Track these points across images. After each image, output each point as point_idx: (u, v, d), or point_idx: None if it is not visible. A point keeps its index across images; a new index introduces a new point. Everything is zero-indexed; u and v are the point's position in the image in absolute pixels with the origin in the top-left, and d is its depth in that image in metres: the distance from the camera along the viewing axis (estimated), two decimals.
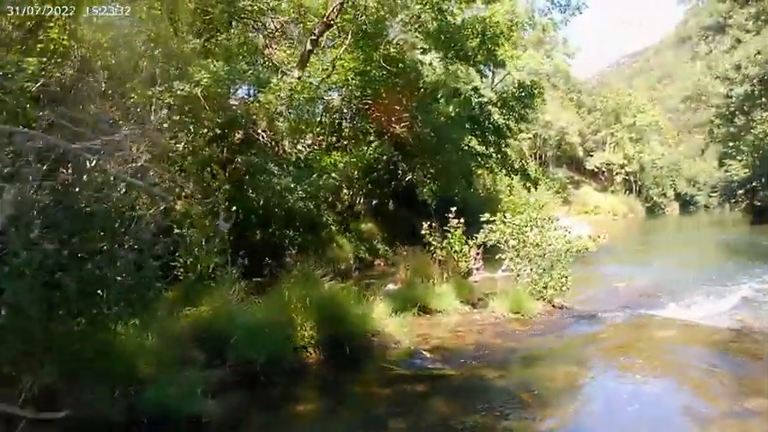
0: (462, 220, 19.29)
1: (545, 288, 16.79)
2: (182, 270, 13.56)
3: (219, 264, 13.82)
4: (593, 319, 15.75)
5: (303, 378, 10.69)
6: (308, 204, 19.84)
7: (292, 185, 18.70)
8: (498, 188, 46.90)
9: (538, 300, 16.55)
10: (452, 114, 30.32)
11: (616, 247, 38.80)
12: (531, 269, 17.11)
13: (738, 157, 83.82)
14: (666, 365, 11.39)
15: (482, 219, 18.47)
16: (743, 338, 13.46)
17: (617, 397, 9.77)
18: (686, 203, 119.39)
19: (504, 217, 18.14)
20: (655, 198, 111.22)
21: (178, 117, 16.33)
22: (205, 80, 16.45)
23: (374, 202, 32.28)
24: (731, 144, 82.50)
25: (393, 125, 28.62)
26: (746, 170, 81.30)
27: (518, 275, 17.48)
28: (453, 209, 19.37)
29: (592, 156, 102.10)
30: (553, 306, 16.69)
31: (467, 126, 31.94)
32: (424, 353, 11.93)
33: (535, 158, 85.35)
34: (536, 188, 40.67)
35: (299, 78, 22.13)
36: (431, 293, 15.88)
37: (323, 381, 10.79)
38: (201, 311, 11.41)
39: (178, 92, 15.76)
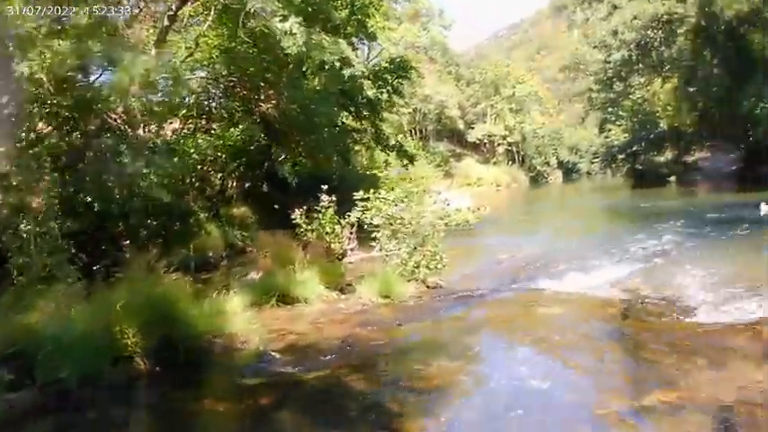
0: (335, 199, 18.45)
1: (417, 268, 15.58)
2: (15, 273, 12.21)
3: (55, 263, 12.44)
4: (473, 299, 14.41)
5: (127, 395, 8.99)
6: (164, 191, 18.44)
7: (145, 170, 17.31)
8: (377, 165, 45.81)
9: (410, 281, 15.28)
10: (320, 88, 29.18)
11: (500, 217, 38.45)
12: (401, 248, 15.93)
13: (618, 123, 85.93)
14: (556, 352, 10.02)
15: (356, 197, 17.26)
16: (637, 310, 12.50)
17: (499, 398, 8.30)
18: (569, 171, 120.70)
19: (378, 194, 16.92)
20: (538, 167, 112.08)
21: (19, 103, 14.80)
22: (48, 61, 14.93)
23: (247, 184, 30.91)
24: (610, 110, 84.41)
25: (260, 103, 27.50)
26: (626, 135, 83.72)
27: (387, 255, 16.21)
28: (324, 187, 18.29)
29: (473, 128, 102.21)
30: (427, 287, 15.47)
31: (339, 101, 30.72)
32: (275, 354, 10.24)
33: (415, 133, 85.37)
34: (413, 164, 39.60)
35: (156, 57, 20.73)
36: (293, 281, 14.19)
37: (150, 397, 9.09)
38: (14, 321, 9.84)
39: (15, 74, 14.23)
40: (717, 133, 63.64)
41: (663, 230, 24.74)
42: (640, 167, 75.86)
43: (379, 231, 16.63)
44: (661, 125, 75.89)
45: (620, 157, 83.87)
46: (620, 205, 46.79)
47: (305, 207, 18.54)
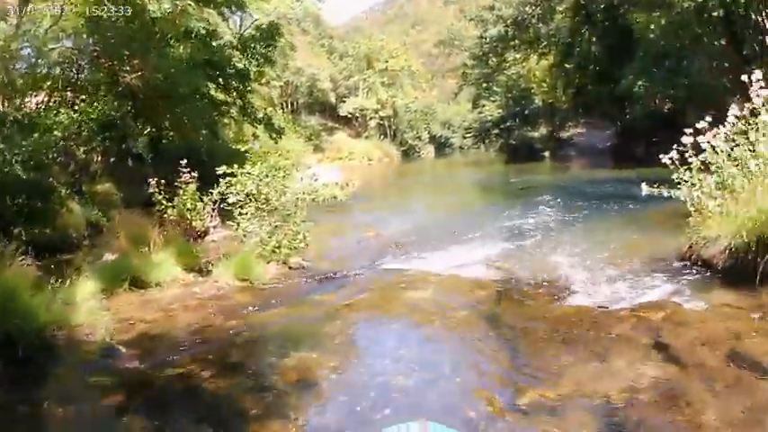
0: (196, 174, 17.85)
1: (278, 248, 14.81)
2: None
3: None
4: (336, 281, 13.66)
5: None
6: (23, 168, 17.42)
7: (1, 146, 16.30)
8: (246, 139, 44.99)
9: (270, 262, 14.49)
10: (187, 58, 28.26)
11: (370, 192, 38.05)
12: (261, 226, 15.11)
13: (492, 98, 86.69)
14: (425, 342, 9.35)
15: (219, 171, 16.28)
16: (512, 292, 11.75)
17: (363, 397, 7.42)
18: (442, 145, 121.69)
19: (243, 168, 16.02)
20: (410, 141, 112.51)
21: None
22: None
23: (112, 159, 29.80)
24: (484, 85, 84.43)
25: (125, 74, 26.50)
26: (500, 110, 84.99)
27: (245, 235, 15.31)
28: (183, 161, 17.43)
29: (345, 102, 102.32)
30: (289, 268, 14.71)
31: (207, 72, 29.86)
32: (121, 348, 9.22)
33: (286, 106, 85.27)
34: (281, 137, 38.77)
35: (17, 26, 19.73)
36: (147, 263, 13.25)
37: None
38: None
39: None
40: (593, 110, 64.72)
41: (538, 206, 24.29)
42: (514, 142, 76.97)
43: (237, 209, 15.72)
44: (536, 101, 77.75)
45: (494, 132, 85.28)
46: (493, 180, 46.64)
47: (163, 181, 17.58)
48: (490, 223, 20.74)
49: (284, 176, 16.18)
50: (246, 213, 15.40)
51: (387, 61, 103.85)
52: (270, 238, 14.87)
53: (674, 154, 11.93)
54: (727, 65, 40.24)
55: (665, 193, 12.36)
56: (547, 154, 67.75)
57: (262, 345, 9.64)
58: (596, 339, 8.71)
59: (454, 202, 33.64)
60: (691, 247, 12.45)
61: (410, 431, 3.78)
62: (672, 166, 12.03)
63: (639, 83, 44.95)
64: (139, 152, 28.67)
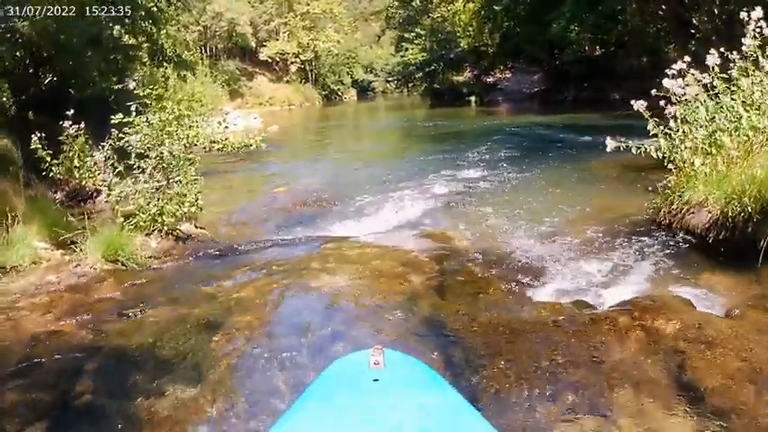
0: (83, 126, 14.84)
1: (160, 215, 11.85)
2: None
3: None
4: (231, 259, 10.72)
5: None
6: None
7: None
8: (157, 83, 42.70)
9: (149, 234, 11.70)
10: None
11: (288, 139, 36.95)
12: (137, 190, 12.23)
13: (416, 42, 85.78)
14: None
15: (113, 120, 13.26)
16: (454, 278, 8.66)
17: None
18: (364, 90, 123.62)
19: (144, 115, 13.31)
20: (332, 86, 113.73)
21: None
22: None
23: (11, 113, 27.56)
24: (408, 28, 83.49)
25: (17, 20, 24.26)
26: (424, 54, 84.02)
27: (118, 201, 12.37)
28: (70, 112, 14.89)
29: (265, 46, 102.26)
30: (176, 239, 11.92)
31: (113, 16, 27.47)
32: None
33: (204, 52, 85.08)
34: (194, 74, 36.65)
35: None
36: (4, 240, 10.32)
37: None
38: None
39: None
40: (521, 54, 64.27)
41: (470, 155, 22.27)
42: (438, 87, 76.72)
43: (110, 168, 12.96)
44: (462, 45, 76.51)
45: (418, 75, 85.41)
46: (418, 125, 44.88)
47: (43, 135, 14.97)
48: (420, 175, 18.80)
49: (191, 126, 13.83)
50: (120, 172, 12.68)
51: (308, 4, 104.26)
52: (149, 204, 12.03)
53: (642, 102, 9.88)
54: (661, 12, 39.08)
55: (634, 151, 10.12)
56: (473, 98, 66.65)
57: (123, 372, 6.48)
58: (588, 370, 5.69)
59: (377, 149, 32.23)
60: (670, 212, 10.26)
61: (365, 357, 3.17)
62: (646, 114, 9.92)
63: (572, 26, 44.14)
64: (54, 101, 26.56)
